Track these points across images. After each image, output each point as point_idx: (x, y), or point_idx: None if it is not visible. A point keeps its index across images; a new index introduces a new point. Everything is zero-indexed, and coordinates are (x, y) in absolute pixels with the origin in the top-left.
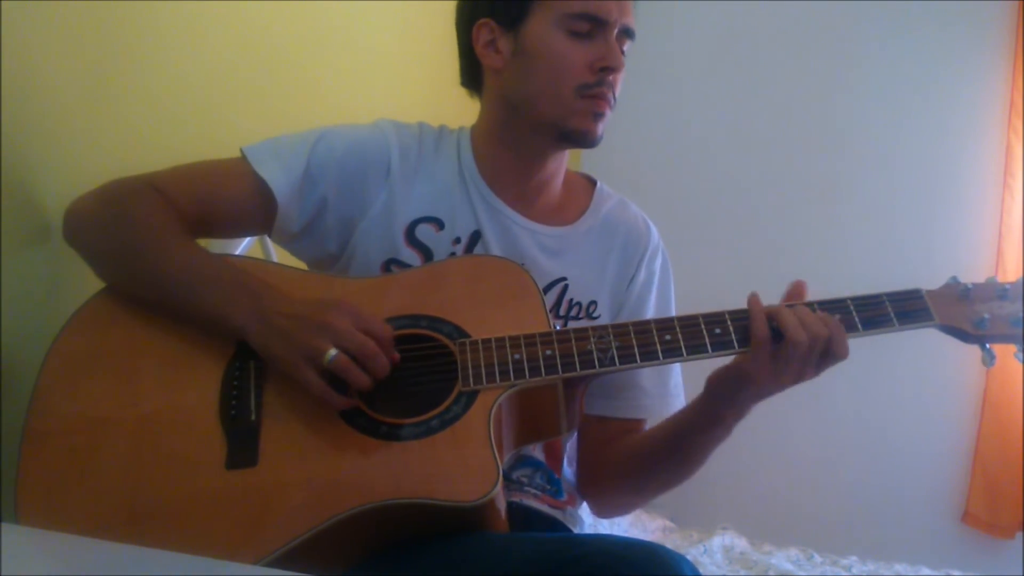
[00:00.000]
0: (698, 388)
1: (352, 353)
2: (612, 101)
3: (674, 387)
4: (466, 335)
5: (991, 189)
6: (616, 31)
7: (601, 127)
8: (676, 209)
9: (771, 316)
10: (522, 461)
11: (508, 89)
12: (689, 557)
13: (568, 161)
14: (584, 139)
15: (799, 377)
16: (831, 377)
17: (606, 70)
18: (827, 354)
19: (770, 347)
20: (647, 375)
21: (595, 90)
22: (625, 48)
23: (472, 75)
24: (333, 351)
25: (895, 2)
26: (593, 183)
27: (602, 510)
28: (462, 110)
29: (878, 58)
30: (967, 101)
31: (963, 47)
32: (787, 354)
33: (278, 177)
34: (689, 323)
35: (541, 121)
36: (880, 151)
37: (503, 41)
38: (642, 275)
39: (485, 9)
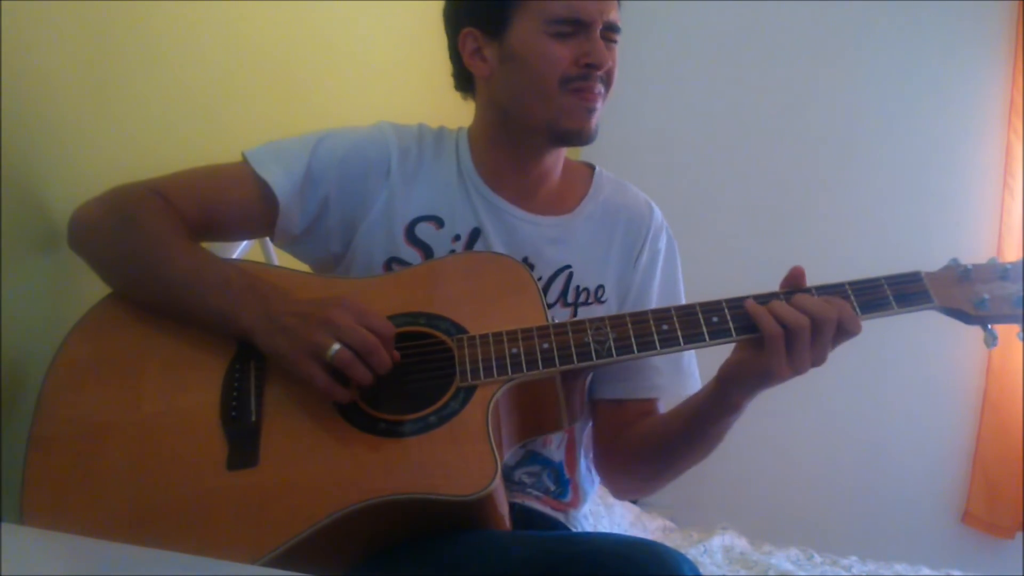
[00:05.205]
0: (712, 368)
1: (354, 348)
2: (603, 94)
3: (687, 364)
4: (464, 331)
5: (991, 189)
6: (600, 29)
7: (594, 122)
8: (678, 203)
9: (771, 312)
10: (529, 458)
11: (498, 95)
12: (689, 557)
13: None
14: (578, 137)
15: (818, 360)
16: (831, 377)
17: (591, 66)
18: (840, 332)
19: (784, 342)
20: (649, 360)
21: (580, 83)
22: (616, 40)
23: (464, 81)
24: (336, 346)
25: (895, 2)
26: (592, 169)
27: (619, 492)
28: (460, 111)
29: (878, 58)
30: (967, 101)
31: (963, 47)
32: (799, 342)
33: (279, 179)
34: (686, 312)
35: (533, 124)
36: (880, 151)
37: (488, 49)
38: (646, 255)
39: (468, 18)
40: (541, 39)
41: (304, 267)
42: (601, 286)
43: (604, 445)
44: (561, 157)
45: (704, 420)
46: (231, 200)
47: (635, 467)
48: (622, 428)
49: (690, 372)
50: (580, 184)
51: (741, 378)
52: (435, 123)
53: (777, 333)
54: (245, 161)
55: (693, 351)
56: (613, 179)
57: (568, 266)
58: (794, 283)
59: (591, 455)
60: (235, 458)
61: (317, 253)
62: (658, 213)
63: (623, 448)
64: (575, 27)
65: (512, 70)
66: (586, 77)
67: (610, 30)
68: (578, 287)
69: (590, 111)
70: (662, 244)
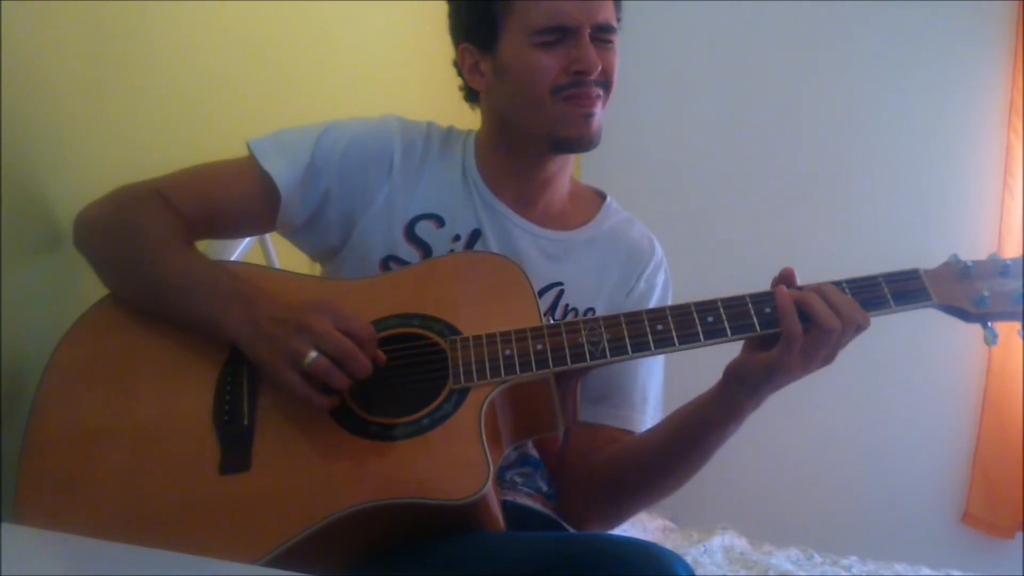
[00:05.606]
0: (682, 395)
1: (331, 355)
2: (602, 96)
3: (652, 408)
4: (457, 332)
5: (991, 189)
6: (588, 32)
7: (594, 126)
8: (676, 205)
9: (798, 304)
10: (521, 460)
11: (496, 107)
12: (689, 557)
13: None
14: (578, 144)
15: (828, 359)
16: (831, 377)
17: (580, 73)
18: (856, 330)
19: (801, 341)
20: (629, 386)
21: (572, 90)
22: (611, 39)
23: (470, 92)
24: (313, 353)
25: (896, 2)
26: (603, 197)
27: (583, 524)
28: (461, 111)
29: (878, 58)
30: (967, 100)
31: (963, 47)
32: (818, 342)
33: (282, 170)
34: (681, 312)
35: (533, 134)
36: (879, 151)
37: (484, 64)
38: (641, 287)
39: (464, 34)
40: (528, 51)
41: (304, 265)
42: (591, 309)
43: (569, 471)
44: (567, 166)
45: (704, 426)
46: (233, 197)
47: (606, 491)
48: (589, 453)
49: (654, 414)
50: (588, 208)
51: (751, 373)
52: (441, 123)
53: (798, 334)
54: (249, 151)
55: (660, 388)
56: (622, 212)
57: (560, 283)
58: (785, 284)
59: (555, 482)
60: (227, 462)
61: (316, 244)
62: (659, 250)
63: (592, 472)
64: (560, 34)
65: (506, 84)
66: (578, 84)
67: (602, 31)
68: (567, 306)
69: (588, 116)
70: (659, 280)
